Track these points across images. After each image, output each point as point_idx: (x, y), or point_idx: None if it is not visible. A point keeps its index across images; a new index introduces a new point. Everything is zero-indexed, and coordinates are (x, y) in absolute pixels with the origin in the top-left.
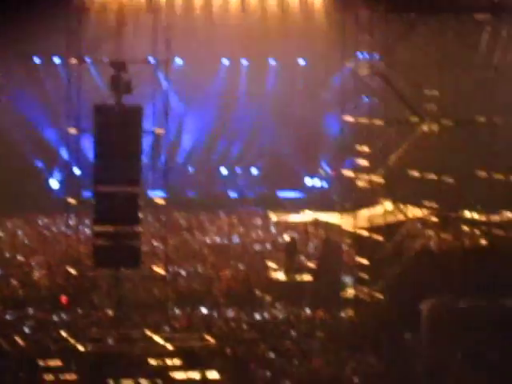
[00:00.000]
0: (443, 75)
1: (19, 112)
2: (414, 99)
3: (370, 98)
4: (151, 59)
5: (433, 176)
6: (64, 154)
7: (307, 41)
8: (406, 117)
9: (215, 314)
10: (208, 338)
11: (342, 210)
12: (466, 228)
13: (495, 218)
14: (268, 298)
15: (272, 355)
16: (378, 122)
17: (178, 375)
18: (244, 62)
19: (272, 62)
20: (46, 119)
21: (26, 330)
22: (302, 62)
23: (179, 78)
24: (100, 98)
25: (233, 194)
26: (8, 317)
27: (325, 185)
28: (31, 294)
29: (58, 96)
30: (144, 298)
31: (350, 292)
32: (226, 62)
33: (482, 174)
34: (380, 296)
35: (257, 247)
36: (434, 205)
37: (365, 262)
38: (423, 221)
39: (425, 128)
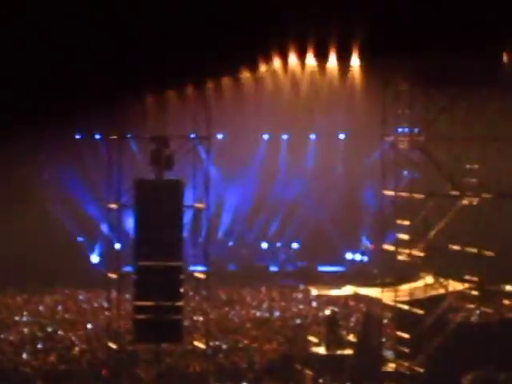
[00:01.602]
0: (484, 149)
1: (61, 188)
2: (455, 173)
3: (410, 172)
4: (192, 135)
5: (473, 250)
6: (105, 229)
7: (347, 115)
8: (446, 190)
9: None
10: None
11: (383, 283)
12: (506, 301)
13: None
14: (309, 373)
15: None
16: (419, 196)
17: None
18: (284, 136)
19: (312, 137)
20: (88, 195)
21: None
22: (342, 136)
23: (220, 153)
24: (141, 173)
25: (273, 268)
26: None
27: (365, 259)
28: (71, 369)
29: (98, 172)
30: (185, 373)
31: (391, 366)
32: (266, 136)
33: None
34: (421, 370)
35: (297, 321)
36: (475, 278)
37: (405, 335)
38: (464, 294)
39: (465, 202)
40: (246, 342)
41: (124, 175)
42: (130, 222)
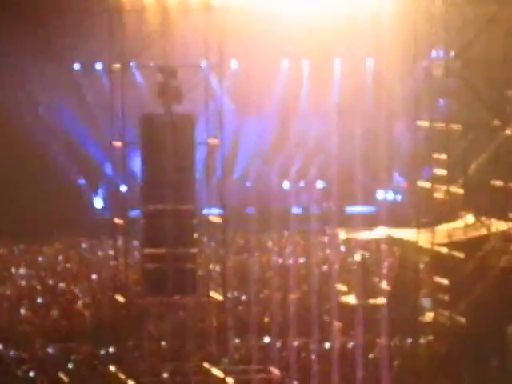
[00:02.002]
0: None
1: (58, 124)
2: (496, 101)
3: (446, 101)
4: (203, 63)
5: None
6: (108, 169)
7: (375, 39)
8: (486, 120)
9: (279, 344)
10: (272, 370)
11: (418, 225)
12: None
13: None
14: (338, 324)
15: None
16: (456, 127)
17: None
18: (306, 63)
19: (337, 63)
20: (88, 132)
21: (70, 365)
22: (369, 62)
23: (234, 84)
24: (147, 107)
25: (296, 211)
26: (50, 351)
27: (398, 198)
28: (75, 325)
29: (100, 106)
30: (200, 328)
31: (429, 316)
32: (286, 64)
33: None
34: (462, 319)
35: (324, 268)
36: None
37: (445, 281)
38: (508, 235)
39: (508, 132)
40: (267, 292)
41: (128, 110)
42: (136, 162)
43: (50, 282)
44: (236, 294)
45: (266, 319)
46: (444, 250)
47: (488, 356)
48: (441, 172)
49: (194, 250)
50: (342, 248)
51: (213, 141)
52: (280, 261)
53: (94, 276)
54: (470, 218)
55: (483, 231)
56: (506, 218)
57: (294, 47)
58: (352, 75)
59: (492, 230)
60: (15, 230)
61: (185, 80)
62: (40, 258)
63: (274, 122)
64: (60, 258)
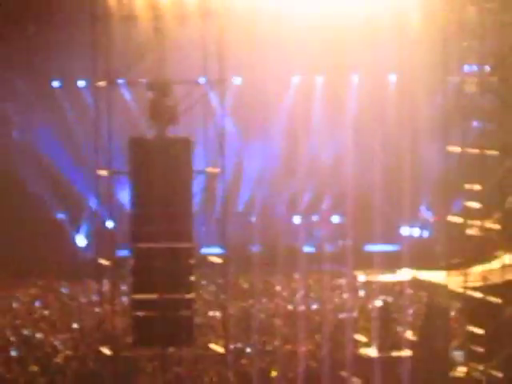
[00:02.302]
0: None
1: (35, 150)
2: None
3: (481, 122)
4: (201, 79)
5: None
6: (93, 202)
7: (399, 51)
8: None
9: None
10: None
11: (449, 266)
12: None
13: None
14: (357, 381)
15: None
16: (492, 153)
17: None
18: (319, 79)
19: (355, 79)
20: (70, 158)
21: None
22: (393, 78)
23: (237, 103)
24: (137, 130)
25: (309, 249)
26: None
27: (425, 234)
28: (55, 382)
29: (83, 129)
30: None
31: (461, 370)
32: (296, 80)
33: None
34: (499, 374)
35: (341, 315)
36: None
37: (479, 331)
38: None
39: None
40: (275, 343)
41: (116, 133)
42: (124, 193)
43: (26, 332)
44: (239, 345)
45: (274, 374)
46: (478, 294)
47: None
48: (474, 205)
49: (191, 295)
50: (361, 292)
51: (213, 169)
52: (290, 307)
53: (75, 325)
54: (508, 258)
55: None
56: None
57: (306, 61)
58: (372, 93)
59: None
60: None
61: (181, 98)
62: (14, 304)
63: (282, 146)
64: (37, 303)
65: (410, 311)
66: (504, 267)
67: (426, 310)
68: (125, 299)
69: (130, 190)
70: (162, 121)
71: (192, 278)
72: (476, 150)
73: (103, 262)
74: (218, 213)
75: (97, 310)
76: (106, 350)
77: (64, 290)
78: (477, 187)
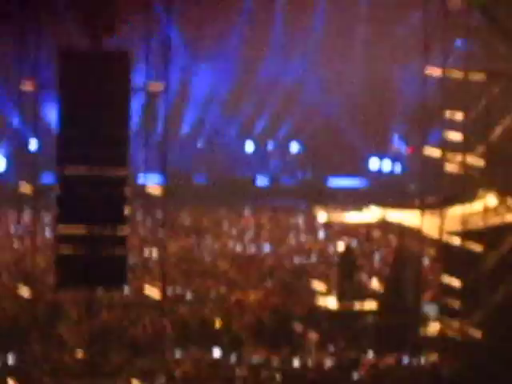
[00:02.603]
0: None
1: None
2: None
3: (466, 42)
4: None
5: None
6: (14, 120)
7: None
8: None
9: (234, 359)
10: None
11: (423, 206)
12: None
13: None
14: (313, 336)
15: None
16: (478, 77)
17: None
18: None
19: None
20: None
21: None
22: None
23: (186, 11)
24: (68, 39)
25: (262, 181)
26: None
27: (397, 169)
28: None
29: (5, 35)
30: (130, 334)
31: (434, 327)
32: None
33: None
34: (477, 333)
35: (297, 260)
36: None
37: (456, 282)
38: None
39: None
40: (221, 289)
41: (44, 42)
42: (51, 111)
43: None
44: (179, 290)
45: (218, 325)
46: (456, 240)
47: (508, 381)
48: (455, 136)
49: (125, 231)
50: (321, 233)
51: (155, 86)
52: (238, 248)
53: None
54: (491, 199)
55: (509, 217)
56: None
57: None
58: (340, 2)
59: None
60: None
61: (120, 5)
62: None
63: (235, 62)
64: None
65: (377, 257)
66: (486, 210)
67: (395, 256)
68: (48, 233)
69: (57, 108)
70: (97, 29)
71: (126, 211)
72: (459, 73)
73: (24, 188)
74: (158, 136)
75: (15, 245)
76: (25, 291)
77: None
78: (458, 116)
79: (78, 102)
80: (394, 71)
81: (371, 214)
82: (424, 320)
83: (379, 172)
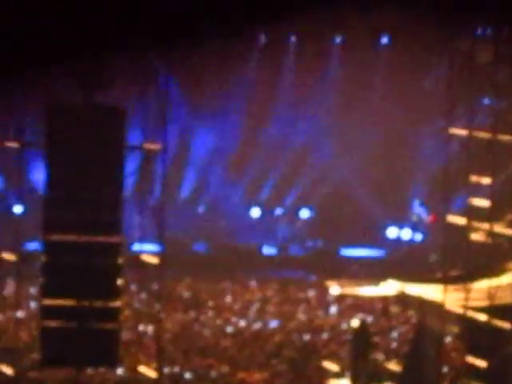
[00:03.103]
0: None
1: None
2: None
3: (494, 100)
4: None
5: None
6: None
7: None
8: None
9: None
10: None
11: (446, 279)
12: None
13: None
14: None
15: None
16: (506, 138)
17: None
18: (292, 38)
19: (337, 40)
20: None
21: None
22: (384, 40)
23: (184, 61)
24: (59, 94)
25: (269, 250)
26: None
27: (418, 238)
28: None
29: None
30: None
31: None
32: (263, 39)
33: None
34: None
35: (306, 337)
36: None
37: (481, 363)
38: None
39: None
40: (222, 368)
41: (32, 98)
42: (38, 172)
43: None
44: (176, 369)
45: None
46: (482, 317)
47: None
48: (481, 202)
49: (117, 303)
50: (334, 308)
51: (151, 145)
52: (242, 323)
53: None
54: None
55: None
56: None
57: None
58: (357, 57)
59: None
60: None
61: (113, 58)
62: None
63: (240, 121)
64: None
65: (395, 335)
66: None
67: (414, 333)
68: (33, 305)
69: (45, 168)
70: (89, 83)
71: (119, 282)
72: (486, 134)
73: (7, 256)
74: (155, 200)
75: None
76: (7, 369)
77: None
78: (485, 180)
79: (67, 162)
80: (414, 131)
81: (388, 288)
82: None
83: (397, 241)
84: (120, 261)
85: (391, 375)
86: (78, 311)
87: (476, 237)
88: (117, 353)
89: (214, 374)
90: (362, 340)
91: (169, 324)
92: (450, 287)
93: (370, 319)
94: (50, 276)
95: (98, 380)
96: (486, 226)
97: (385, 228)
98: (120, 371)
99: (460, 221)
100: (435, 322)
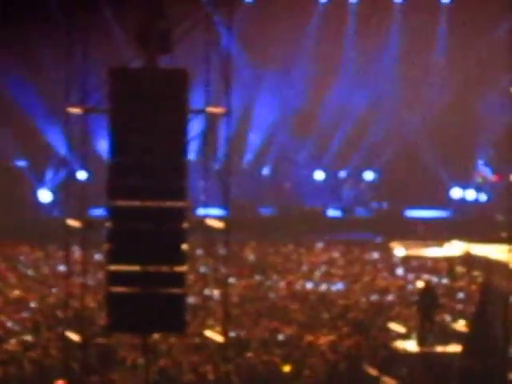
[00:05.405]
0: None
1: None
2: None
3: None
4: None
5: None
6: (61, 147)
7: None
8: None
9: None
10: None
11: None
12: None
13: None
14: (391, 382)
15: None
16: None
17: None
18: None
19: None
20: (33, 91)
21: None
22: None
23: (249, 23)
24: (120, 57)
25: (334, 213)
26: None
27: (483, 198)
28: (9, 374)
29: (51, 56)
30: (191, 381)
31: None
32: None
33: None
34: None
35: (372, 298)
36: None
37: None
38: None
39: None
40: (289, 331)
41: (92, 61)
42: (102, 138)
43: None
44: (243, 333)
45: (287, 370)
46: None
47: None
48: None
49: (183, 268)
50: (399, 270)
51: (215, 109)
52: (309, 286)
53: (34, 303)
54: None
55: None
56: None
57: None
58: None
59: None
60: None
61: (176, 20)
62: None
63: (304, 81)
64: None
65: (461, 295)
66: None
67: (481, 294)
68: (99, 272)
69: (108, 134)
70: (151, 47)
71: (184, 247)
72: None
73: (72, 223)
74: (220, 164)
75: (63, 284)
76: (74, 336)
77: (22, 258)
78: None
79: (131, 127)
80: (478, 90)
81: (454, 248)
82: None
83: (462, 201)
84: (185, 226)
85: (458, 336)
86: (144, 276)
87: None
88: (183, 318)
89: (280, 336)
90: (428, 301)
91: (235, 288)
92: None
93: (435, 280)
94: (116, 242)
95: (165, 345)
96: None
97: (449, 189)
98: (186, 335)
99: None
100: (501, 281)
